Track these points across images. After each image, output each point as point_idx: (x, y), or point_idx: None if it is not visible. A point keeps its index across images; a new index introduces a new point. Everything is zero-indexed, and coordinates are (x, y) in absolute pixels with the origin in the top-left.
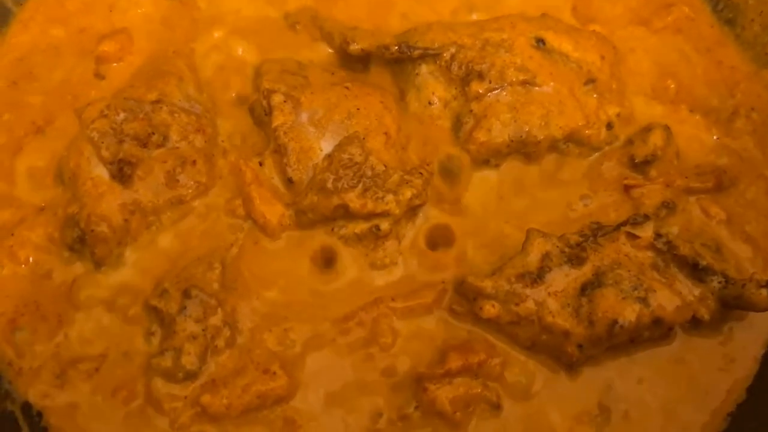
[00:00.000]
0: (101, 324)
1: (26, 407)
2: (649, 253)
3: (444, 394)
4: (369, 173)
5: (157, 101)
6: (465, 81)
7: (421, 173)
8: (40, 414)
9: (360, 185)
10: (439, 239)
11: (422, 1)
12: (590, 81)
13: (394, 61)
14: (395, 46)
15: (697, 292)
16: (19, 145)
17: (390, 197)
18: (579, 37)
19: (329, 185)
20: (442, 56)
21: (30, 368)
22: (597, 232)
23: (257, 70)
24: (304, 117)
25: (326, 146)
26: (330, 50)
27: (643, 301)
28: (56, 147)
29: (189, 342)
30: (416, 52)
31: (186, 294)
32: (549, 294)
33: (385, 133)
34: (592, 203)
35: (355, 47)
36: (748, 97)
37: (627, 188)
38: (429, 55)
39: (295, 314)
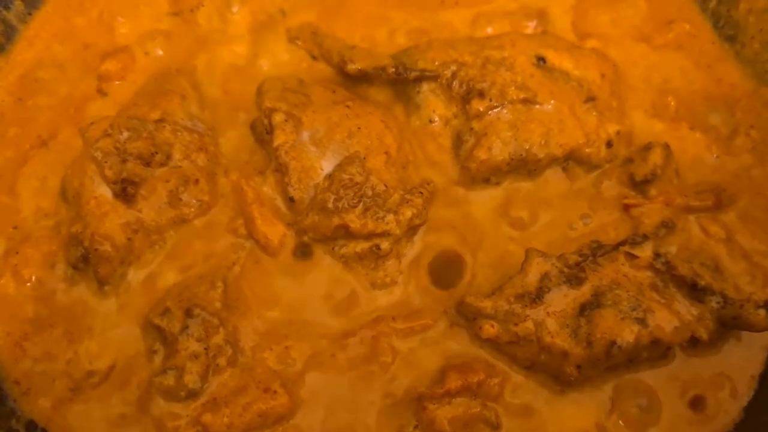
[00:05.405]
0: (107, 342)
1: (31, 426)
2: (648, 273)
3: (443, 413)
4: (369, 193)
5: (160, 120)
6: (466, 99)
7: (421, 192)
8: None
9: (360, 205)
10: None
11: (421, 16)
12: (590, 99)
13: (394, 80)
14: (392, 67)
15: (695, 312)
16: (25, 158)
17: (390, 217)
18: (580, 55)
19: (330, 205)
20: (443, 74)
21: (39, 387)
22: (596, 252)
23: (259, 87)
24: (305, 136)
25: (327, 166)
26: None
27: (642, 321)
28: (60, 161)
29: (191, 361)
30: (413, 74)
31: (188, 313)
32: (548, 314)
33: (386, 153)
34: (592, 222)
35: (352, 67)
36: (747, 114)
37: (626, 207)
38: (426, 77)
39: (295, 333)
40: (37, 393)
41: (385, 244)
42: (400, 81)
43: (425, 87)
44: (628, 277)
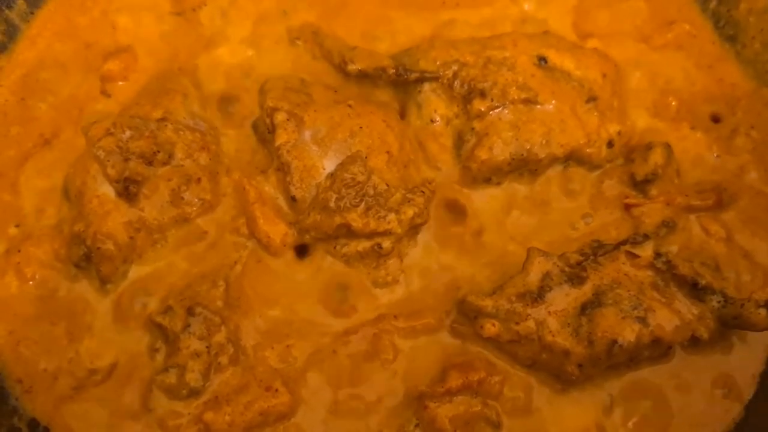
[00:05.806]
0: (108, 341)
1: (33, 423)
2: (649, 273)
3: (444, 412)
4: (371, 192)
5: (163, 119)
6: (467, 99)
7: (422, 191)
8: (47, 430)
9: (362, 204)
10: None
11: (422, 16)
12: (591, 99)
13: (394, 81)
14: (392, 69)
15: (696, 311)
16: (26, 157)
17: (392, 216)
18: (581, 55)
19: (332, 204)
20: (444, 74)
21: (41, 385)
22: (597, 251)
23: (261, 87)
24: (307, 135)
25: (329, 165)
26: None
27: (643, 320)
28: (63, 159)
29: (193, 359)
30: (413, 75)
31: (190, 312)
32: (549, 313)
33: (388, 152)
34: (593, 221)
35: (353, 67)
36: (748, 114)
37: (627, 207)
38: (426, 78)
39: (296, 332)
40: (39, 391)
41: (386, 243)
42: (401, 82)
43: (426, 87)
44: (629, 277)
